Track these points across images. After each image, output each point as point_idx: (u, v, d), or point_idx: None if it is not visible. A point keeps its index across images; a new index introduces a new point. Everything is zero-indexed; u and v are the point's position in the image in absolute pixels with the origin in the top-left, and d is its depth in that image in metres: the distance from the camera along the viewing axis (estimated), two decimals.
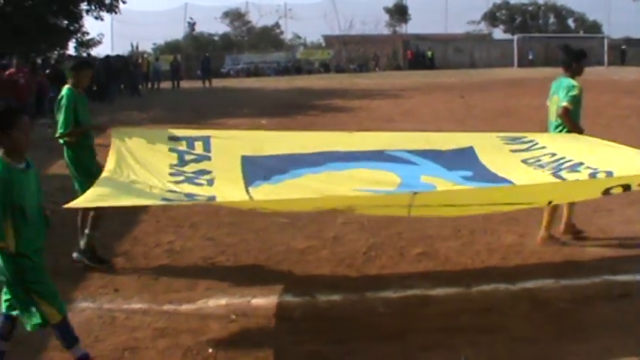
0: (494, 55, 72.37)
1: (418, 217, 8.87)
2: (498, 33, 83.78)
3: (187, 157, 7.11)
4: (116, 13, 42.01)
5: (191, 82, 50.27)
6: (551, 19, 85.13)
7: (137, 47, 62.20)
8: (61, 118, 7.83)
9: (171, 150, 7.21)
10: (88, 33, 42.94)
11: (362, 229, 9.17)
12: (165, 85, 45.53)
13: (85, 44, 43.27)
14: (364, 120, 22.57)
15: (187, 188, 6.39)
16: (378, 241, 8.66)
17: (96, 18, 40.75)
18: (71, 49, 42.64)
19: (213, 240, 9.02)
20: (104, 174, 6.46)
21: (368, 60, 71.09)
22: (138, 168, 6.65)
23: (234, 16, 79.74)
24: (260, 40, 76.60)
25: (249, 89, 42.19)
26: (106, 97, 34.19)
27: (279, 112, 25.50)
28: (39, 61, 30.00)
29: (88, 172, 7.88)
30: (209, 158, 7.16)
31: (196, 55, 63.52)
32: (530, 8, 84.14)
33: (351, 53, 71.83)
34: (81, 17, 40.31)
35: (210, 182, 6.64)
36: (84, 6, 39.48)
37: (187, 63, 61.30)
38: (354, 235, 8.95)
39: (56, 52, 39.85)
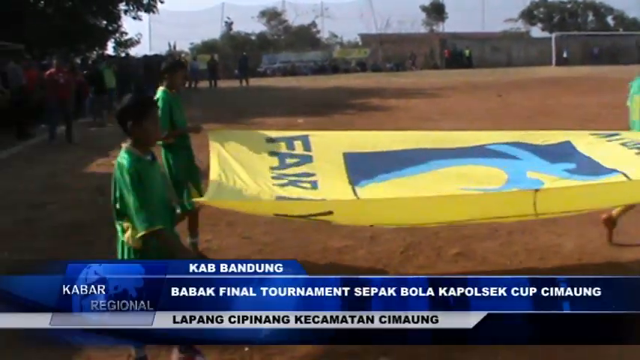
0: (532, 53, 71.85)
1: None
2: (536, 31, 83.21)
3: (288, 160, 7.00)
4: (154, 13, 42.42)
5: (228, 81, 50.45)
6: (590, 17, 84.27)
7: (175, 47, 62.61)
8: None
9: (270, 153, 7.11)
10: (126, 33, 43.47)
11: (399, 229, 9.12)
12: (203, 84, 45.76)
13: (124, 44, 43.73)
14: (401, 119, 22.50)
15: (295, 192, 6.35)
16: (415, 241, 8.63)
17: (134, 18, 41.28)
18: (110, 49, 43.14)
19: (249, 239, 9.05)
20: (212, 180, 6.42)
21: (405, 59, 70.91)
22: (243, 174, 6.58)
23: (271, 15, 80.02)
24: (297, 39, 76.74)
25: (285, 88, 42.25)
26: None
27: (316, 111, 25.49)
28: (78, 61, 30.36)
29: (185, 174, 7.97)
30: (310, 159, 7.04)
31: (233, 54, 63.81)
32: (568, 6, 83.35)
33: (387, 52, 71.74)
34: (119, 17, 40.84)
35: (314, 185, 6.57)
36: (122, 6, 39.92)
37: (224, 62, 61.57)
38: (391, 235, 8.92)
39: (95, 52, 40.28)
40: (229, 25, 77.19)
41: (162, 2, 41.58)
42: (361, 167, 6.91)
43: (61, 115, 19.40)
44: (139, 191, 4.72)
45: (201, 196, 7.24)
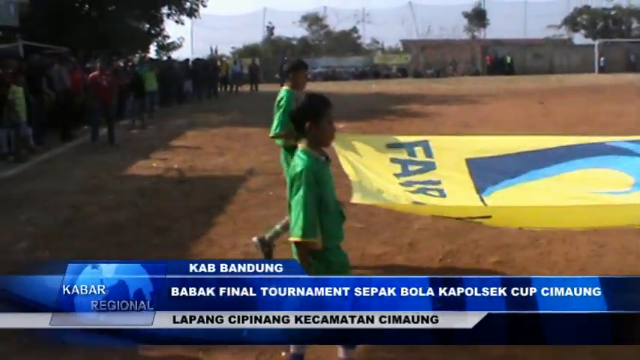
0: (575, 60, 71.20)
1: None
2: (579, 38, 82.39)
3: (411, 167, 6.85)
4: (196, 17, 42.73)
5: (269, 85, 50.64)
6: (634, 24, 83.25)
7: (216, 51, 62.98)
8: (277, 118, 7.87)
9: (392, 160, 6.93)
10: (168, 37, 43.88)
11: (438, 236, 9.10)
12: (244, 88, 46.00)
13: (166, 48, 44.14)
14: (440, 125, 22.41)
15: (427, 200, 6.25)
16: (454, 249, 8.58)
17: (176, 22, 41.58)
18: (152, 53, 43.60)
19: (289, 243, 9.02)
20: (353, 181, 6.24)
21: (446, 65, 70.66)
22: (374, 177, 6.47)
23: (312, 20, 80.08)
24: (338, 45, 76.71)
25: (326, 93, 41.85)
26: (184, 99, 34.76)
27: (357, 117, 25.48)
28: (121, 63, 30.77)
29: None
30: (434, 165, 6.87)
31: (275, 58, 64.04)
32: (612, 13, 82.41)
33: (428, 58, 71.49)
34: (162, 21, 41.20)
35: (442, 193, 6.43)
36: (165, 10, 40.26)
37: (265, 66, 61.81)
38: (430, 242, 8.89)
39: (137, 55, 40.68)
40: (271, 29, 77.48)
41: (204, 6, 41.91)
42: (485, 173, 6.75)
43: (103, 117, 19.59)
44: (310, 194, 4.70)
45: None
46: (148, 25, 40.94)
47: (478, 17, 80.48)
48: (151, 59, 37.84)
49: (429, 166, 6.84)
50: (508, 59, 70.14)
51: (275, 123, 7.86)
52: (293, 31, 78.79)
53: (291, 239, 4.77)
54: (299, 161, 4.79)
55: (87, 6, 36.34)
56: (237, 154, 16.72)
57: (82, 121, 21.96)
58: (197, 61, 41.63)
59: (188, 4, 40.91)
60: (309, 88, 7.36)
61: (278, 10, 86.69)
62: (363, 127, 22.03)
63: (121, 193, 12.54)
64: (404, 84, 52.78)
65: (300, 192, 4.70)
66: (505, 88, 41.86)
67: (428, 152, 7.02)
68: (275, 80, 52.31)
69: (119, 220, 10.40)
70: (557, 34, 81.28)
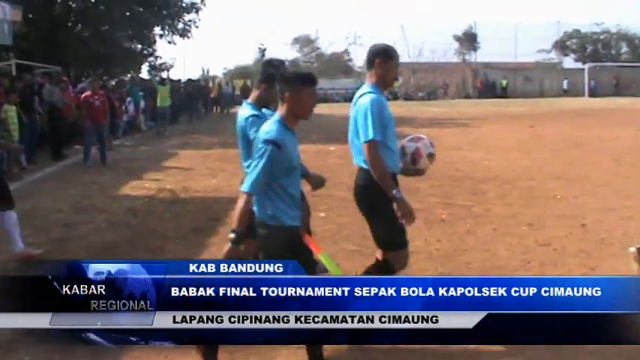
0: (565, 84, 71.72)
1: (488, 248, 8.88)
2: (569, 62, 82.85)
3: None
4: (188, 37, 42.88)
5: None
6: (624, 48, 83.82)
7: (208, 71, 63.22)
8: None
9: None
10: (160, 57, 44.03)
11: (430, 259, 9.12)
12: (236, 109, 46.08)
13: (158, 68, 44.28)
14: None
15: None
16: (446, 272, 8.57)
17: (169, 42, 41.76)
18: (144, 73, 43.78)
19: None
20: None
21: (437, 88, 70.91)
22: None
23: (304, 42, 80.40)
24: (329, 67, 76.98)
25: (317, 115, 41.81)
26: (175, 119, 34.79)
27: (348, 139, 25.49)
28: (112, 83, 30.82)
29: None
30: None
31: None
32: (602, 37, 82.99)
33: (419, 81, 71.76)
34: (154, 42, 41.35)
35: None
36: (157, 30, 40.46)
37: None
38: (422, 265, 8.88)
39: (129, 75, 40.83)
40: (262, 51, 77.76)
41: (197, 27, 42.09)
42: None
43: (95, 137, 19.58)
44: None
45: None
46: (140, 46, 41.10)
47: (469, 40, 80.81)
48: (141, 79, 37.98)
49: None
50: (503, 83, 70.55)
51: None
52: (285, 52, 79.11)
53: None
54: None
55: (80, 25, 36.48)
56: (229, 176, 16.70)
57: (73, 140, 21.96)
58: (189, 81, 41.75)
59: (180, 25, 41.09)
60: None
61: (270, 32, 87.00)
62: None
63: (114, 213, 12.51)
64: (395, 107, 52.54)
65: None
66: (496, 112, 42.03)
67: None
68: None
69: (112, 240, 10.38)
70: (547, 57, 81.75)
